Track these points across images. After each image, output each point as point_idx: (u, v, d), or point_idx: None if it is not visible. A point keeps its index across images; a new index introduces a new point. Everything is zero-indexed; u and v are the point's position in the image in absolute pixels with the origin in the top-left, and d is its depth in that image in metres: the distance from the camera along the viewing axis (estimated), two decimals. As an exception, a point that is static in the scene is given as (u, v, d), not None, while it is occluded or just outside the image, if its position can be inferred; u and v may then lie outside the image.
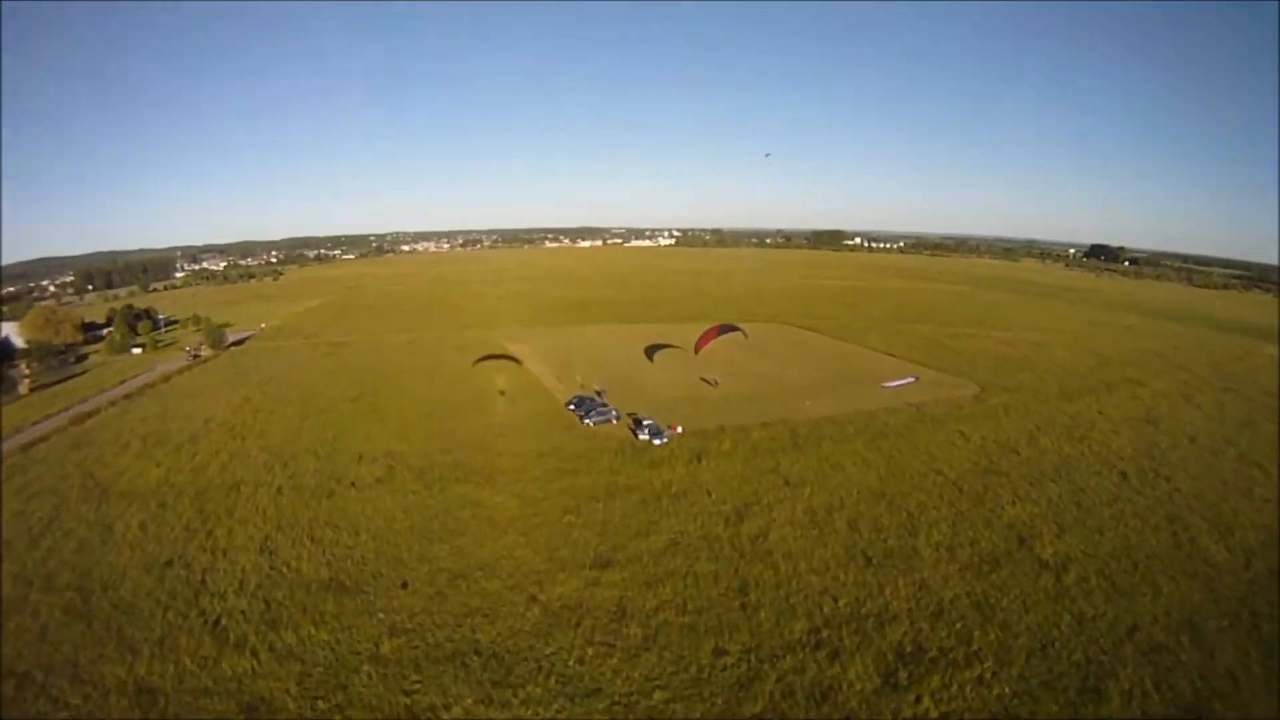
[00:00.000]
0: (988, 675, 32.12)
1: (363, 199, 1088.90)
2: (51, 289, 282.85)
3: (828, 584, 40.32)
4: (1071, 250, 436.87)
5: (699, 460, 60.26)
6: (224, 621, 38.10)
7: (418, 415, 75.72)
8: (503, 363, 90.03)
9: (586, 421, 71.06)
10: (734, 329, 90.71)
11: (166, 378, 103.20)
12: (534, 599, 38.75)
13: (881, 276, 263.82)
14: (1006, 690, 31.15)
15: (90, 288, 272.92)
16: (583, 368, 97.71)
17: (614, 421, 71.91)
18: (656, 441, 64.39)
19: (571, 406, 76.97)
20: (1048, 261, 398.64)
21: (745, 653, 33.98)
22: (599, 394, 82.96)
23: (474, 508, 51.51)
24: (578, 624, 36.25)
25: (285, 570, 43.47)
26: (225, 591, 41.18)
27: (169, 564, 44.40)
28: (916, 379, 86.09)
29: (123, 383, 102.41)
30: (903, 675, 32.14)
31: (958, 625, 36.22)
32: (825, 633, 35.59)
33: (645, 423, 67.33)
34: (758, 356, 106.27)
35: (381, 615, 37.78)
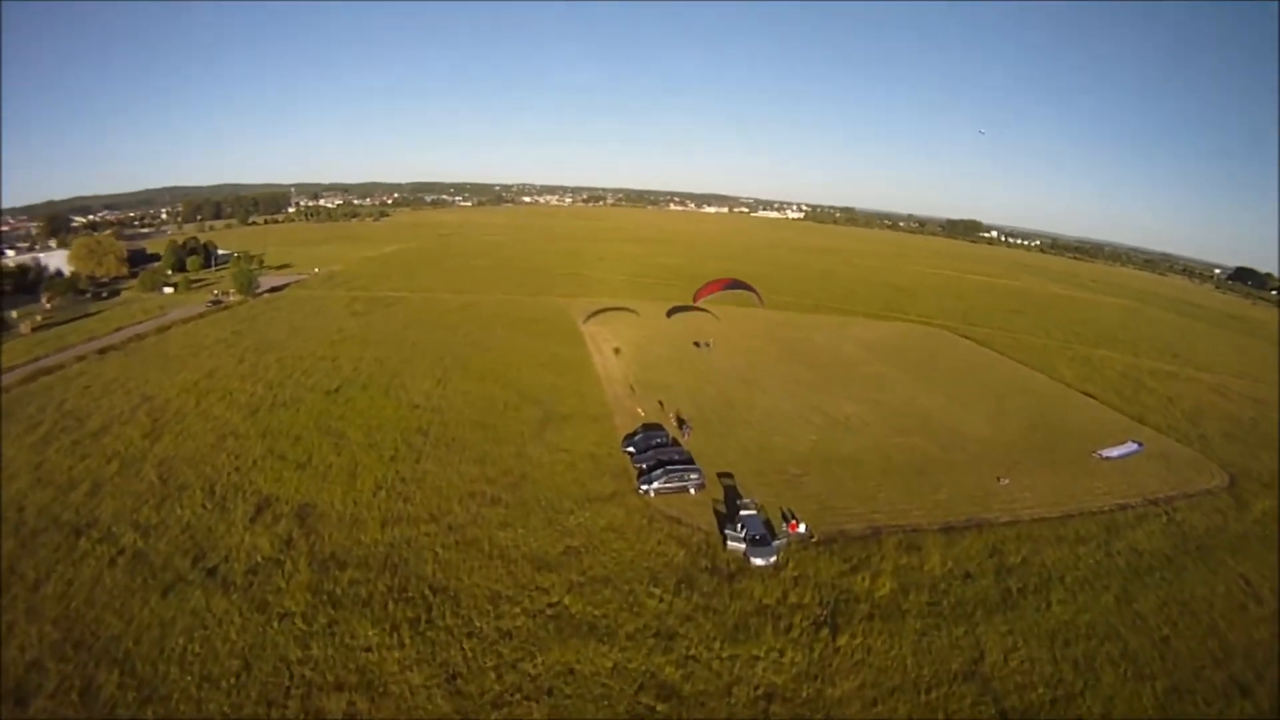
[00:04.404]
0: None
1: (497, 148, 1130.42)
2: (164, 215, 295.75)
3: None
4: (1216, 270, 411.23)
5: (832, 626, 32.05)
6: None
7: (394, 438, 52.39)
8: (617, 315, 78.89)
9: (645, 488, 44.12)
10: (745, 287, 70.02)
11: (165, 328, 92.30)
12: None
13: (1034, 278, 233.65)
14: None
15: (199, 217, 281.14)
16: (668, 377, 70.88)
17: (692, 491, 44.55)
18: (758, 561, 36.31)
19: (630, 450, 50.43)
20: (1196, 280, 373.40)
21: None
22: (681, 425, 55.90)
23: (357, 693, 26.56)
24: None
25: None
26: None
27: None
28: (1142, 447, 63.36)
29: (119, 329, 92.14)
30: None
31: None
32: None
33: (744, 513, 39.51)
34: (917, 378, 79.87)
35: None
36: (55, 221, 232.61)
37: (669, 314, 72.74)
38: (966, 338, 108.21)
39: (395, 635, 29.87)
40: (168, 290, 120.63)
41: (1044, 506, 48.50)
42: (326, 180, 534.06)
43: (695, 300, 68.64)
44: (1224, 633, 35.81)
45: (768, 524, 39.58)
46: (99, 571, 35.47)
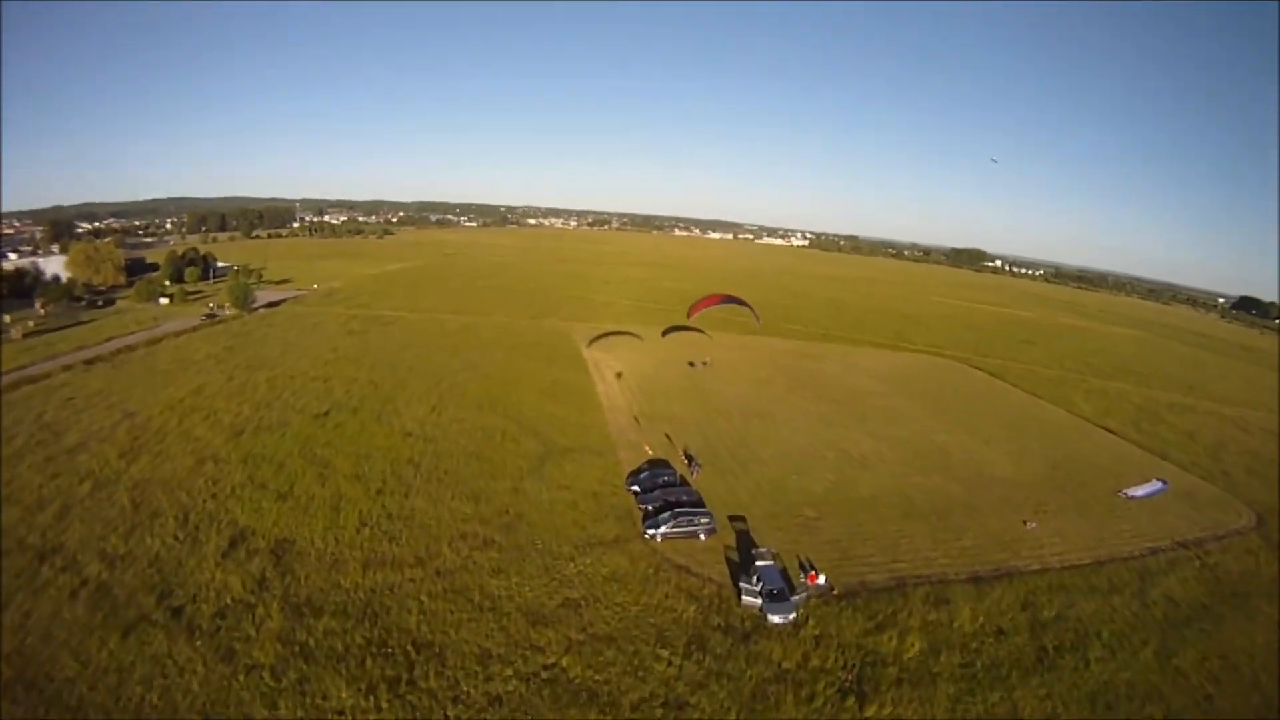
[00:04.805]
0: None
1: (502, 170, 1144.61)
2: (169, 225, 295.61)
3: None
4: (1220, 299, 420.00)
5: (859, 694, 28.95)
6: None
7: (383, 469, 49.41)
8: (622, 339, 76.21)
9: (651, 533, 41.08)
10: (740, 302, 65.18)
11: (156, 341, 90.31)
12: None
13: (1042, 308, 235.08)
14: None
15: (203, 229, 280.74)
16: (674, 407, 68.18)
17: (702, 536, 41.51)
18: (776, 618, 33.20)
19: (635, 489, 47.46)
20: (1200, 309, 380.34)
21: None
22: (690, 461, 52.98)
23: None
24: None
25: None
26: None
27: None
28: (1167, 485, 60.95)
29: (109, 340, 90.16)
30: None
31: None
32: None
33: (761, 563, 36.48)
34: (932, 411, 77.55)
35: None
36: (59, 227, 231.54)
37: (664, 334, 70.44)
38: (979, 369, 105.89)
39: (372, 697, 26.62)
40: (163, 301, 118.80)
41: (1074, 552, 45.78)
42: (333, 196, 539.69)
43: (690, 315, 66.50)
44: (1266, 687, 33.54)
45: (785, 575, 36.49)
46: (59, 604, 32.54)
